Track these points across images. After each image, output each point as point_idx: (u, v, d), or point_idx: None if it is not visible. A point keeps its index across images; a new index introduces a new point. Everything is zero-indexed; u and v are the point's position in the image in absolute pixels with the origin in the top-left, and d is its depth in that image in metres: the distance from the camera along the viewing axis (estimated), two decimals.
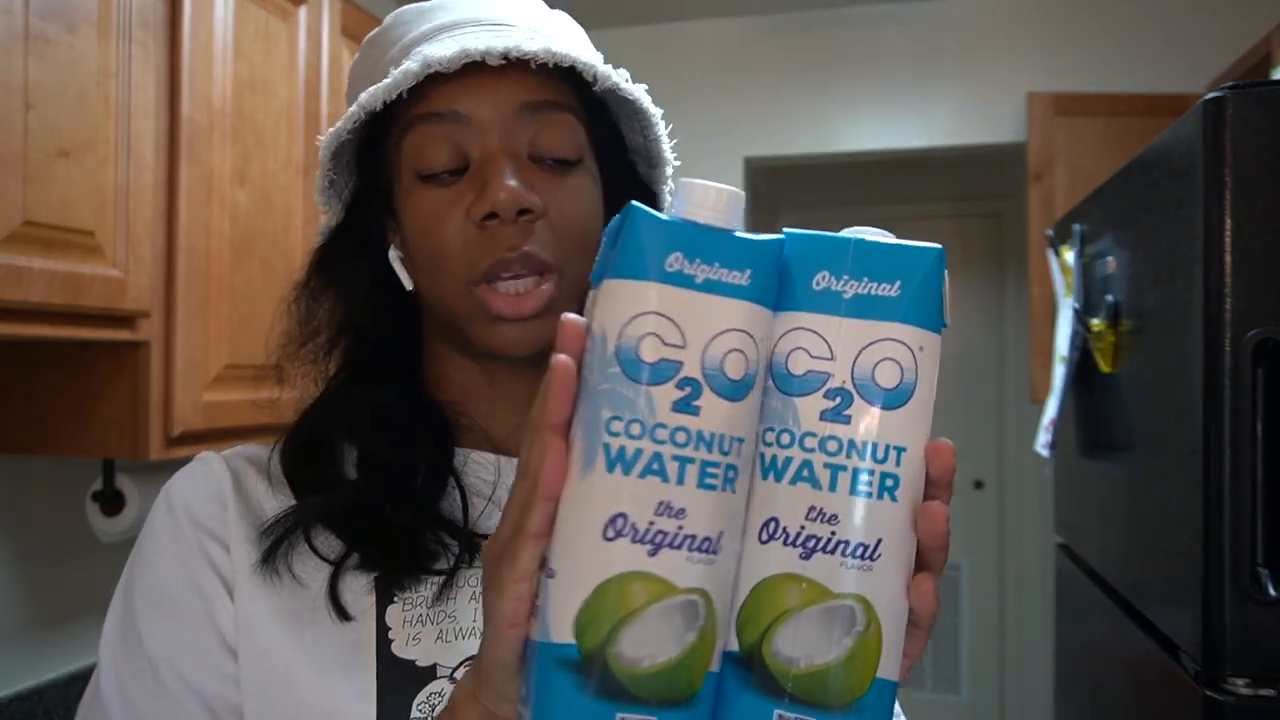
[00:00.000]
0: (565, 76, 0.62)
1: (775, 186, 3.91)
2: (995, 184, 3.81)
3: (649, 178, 0.71)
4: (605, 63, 0.62)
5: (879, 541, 0.39)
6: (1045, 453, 1.91)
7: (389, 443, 0.63)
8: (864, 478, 0.39)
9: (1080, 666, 1.86)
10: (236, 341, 1.52)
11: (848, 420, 0.39)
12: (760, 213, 3.63)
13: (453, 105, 0.59)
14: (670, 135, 0.69)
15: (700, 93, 2.96)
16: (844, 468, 0.39)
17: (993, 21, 2.82)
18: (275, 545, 0.59)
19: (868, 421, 0.39)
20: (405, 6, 0.67)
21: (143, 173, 1.33)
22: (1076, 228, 1.78)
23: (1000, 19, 2.81)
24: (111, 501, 1.55)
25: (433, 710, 0.56)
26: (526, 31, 0.63)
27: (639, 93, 0.63)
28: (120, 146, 1.29)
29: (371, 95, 0.58)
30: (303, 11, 1.70)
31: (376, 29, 0.68)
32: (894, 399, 0.39)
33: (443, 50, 0.58)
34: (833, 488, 0.39)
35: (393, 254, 0.66)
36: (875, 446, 0.39)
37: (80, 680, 1.64)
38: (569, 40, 0.65)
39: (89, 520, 1.57)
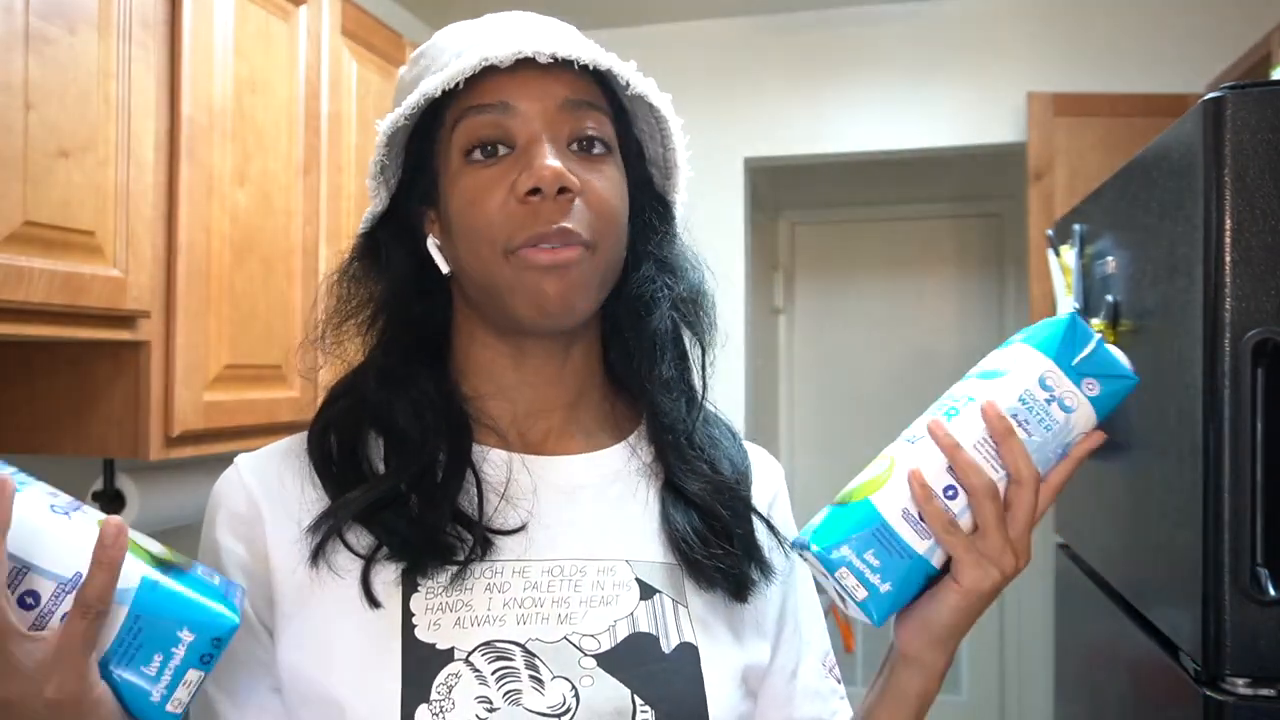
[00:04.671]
0: (600, 83, 0.69)
1: (775, 186, 3.91)
2: (995, 184, 3.81)
3: (663, 187, 0.77)
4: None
5: (921, 437, 0.67)
6: None
7: (418, 440, 0.69)
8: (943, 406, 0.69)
9: (1080, 666, 1.86)
10: (236, 341, 1.52)
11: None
12: (760, 213, 3.63)
13: (502, 97, 0.66)
14: None
15: (700, 93, 2.96)
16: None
17: (993, 21, 2.82)
18: (319, 547, 0.66)
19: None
20: (453, 24, 0.73)
21: (143, 173, 1.33)
22: (1076, 228, 1.78)
23: (1000, 19, 2.81)
24: (111, 501, 1.55)
25: (449, 691, 0.62)
26: (557, 35, 0.70)
27: (664, 101, 0.71)
28: (120, 146, 1.29)
29: (431, 84, 0.65)
30: (303, 11, 1.70)
31: (427, 42, 0.73)
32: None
33: (496, 49, 0.64)
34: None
35: (431, 242, 0.71)
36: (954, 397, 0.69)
37: None
38: (604, 53, 0.71)
39: None
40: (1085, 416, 0.67)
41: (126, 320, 1.32)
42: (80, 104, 1.22)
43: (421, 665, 0.62)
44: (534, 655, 0.64)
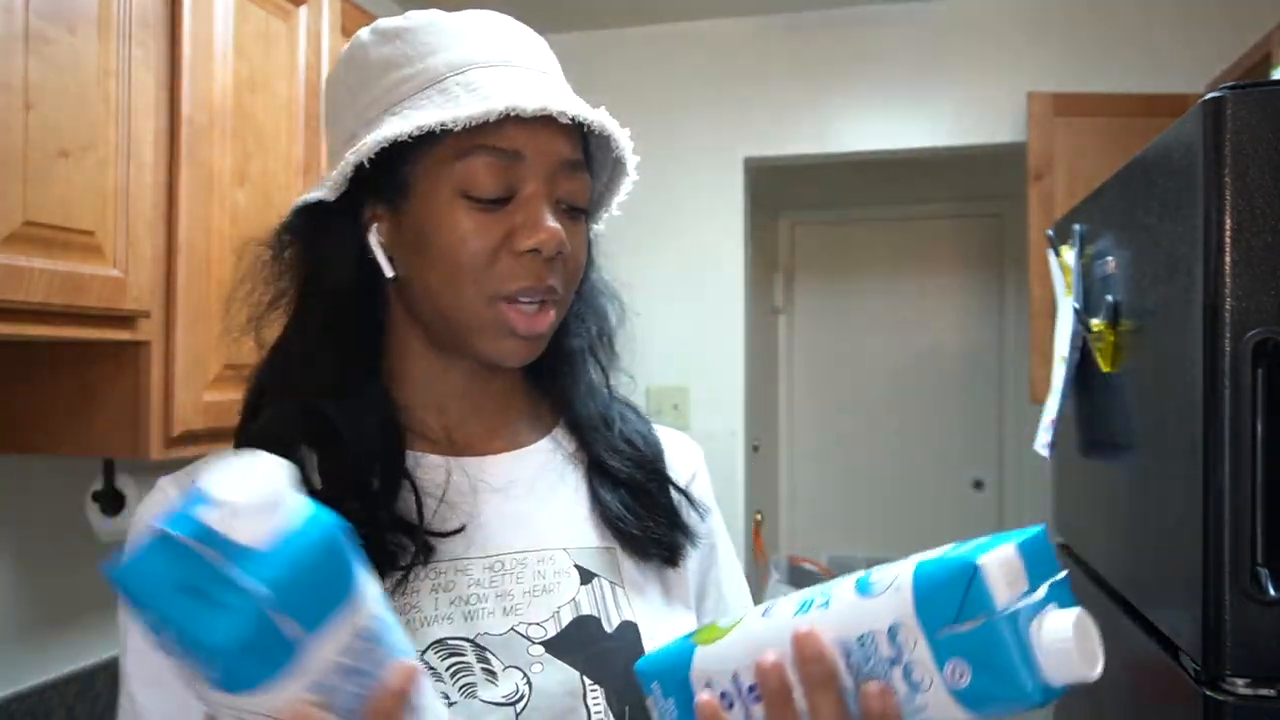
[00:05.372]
0: (580, 130, 0.69)
1: (775, 186, 3.91)
2: (995, 184, 3.81)
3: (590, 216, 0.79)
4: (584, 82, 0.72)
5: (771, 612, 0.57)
6: (1045, 452, 1.91)
7: (356, 455, 0.69)
8: None
9: None
10: (237, 341, 1.52)
11: None
12: (760, 213, 3.63)
13: (517, 146, 0.66)
14: (670, 135, 0.75)
15: (700, 93, 2.96)
16: None
17: (993, 21, 2.81)
18: None
19: None
20: (433, 11, 0.71)
21: (143, 173, 1.33)
22: (1076, 228, 1.77)
23: (1000, 19, 2.81)
24: (111, 501, 1.55)
25: None
26: (560, 83, 0.72)
27: (633, 161, 0.73)
28: (120, 146, 1.29)
29: (454, 118, 0.64)
30: (303, 11, 1.70)
31: (401, 21, 0.71)
32: None
33: (517, 94, 0.65)
34: None
35: (374, 239, 0.70)
36: None
37: (80, 680, 1.64)
38: (607, 115, 0.71)
39: (89, 520, 1.57)
40: (942, 707, 0.48)
41: (126, 320, 1.32)
42: (80, 104, 1.22)
43: None
44: (484, 649, 0.66)
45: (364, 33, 0.73)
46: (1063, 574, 0.52)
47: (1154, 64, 2.66)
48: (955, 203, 4.04)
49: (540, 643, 0.67)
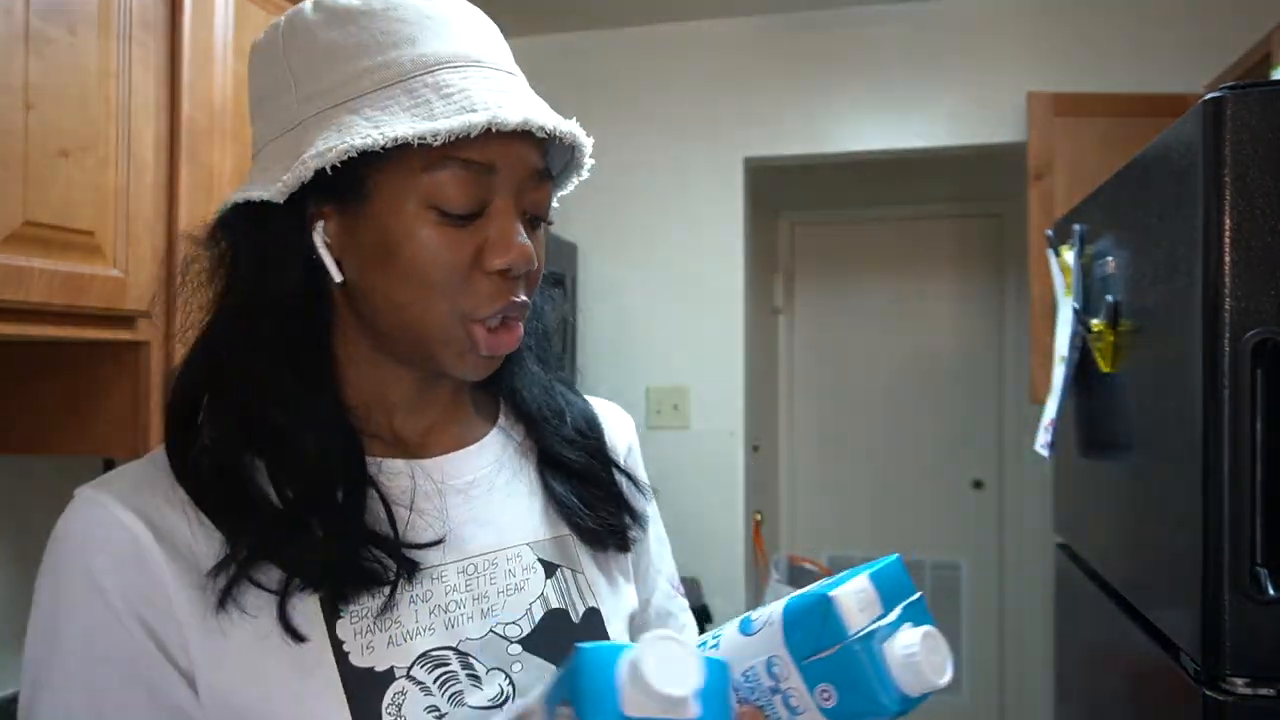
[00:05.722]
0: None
1: (775, 186, 3.91)
2: (995, 184, 3.81)
3: None
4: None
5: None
6: (1045, 453, 1.91)
7: (314, 463, 0.65)
8: None
9: (1080, 666, 1.86)
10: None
11: None
12: (760, 213, 3.63)
13: (491, 159, 0.64)
14: (670, 135, 0.74)
15: (700, 93, 2.96)
16: None
17: (993, 21, 2.82)
18: (225, 592, 0.61)
19: None
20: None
21: (143, 173, 1.33)
22: (1076, 228, 1.77)
23: (1000, 19, 2.81)
24: None
25: (399, 710, 0.62)
26: (524, 84, 0.69)
27: (589, 164, 0.73)
28: (120, 146, 1.29)
29: (434, 132, 0.60)
30: None
31: (358, 3, 0.65)
32: None
33: (495, 105, 0.62)
34: None
35: (320, 239, 0.66)
36: None
37: None
38: (577, 126, 0.68)
39: None
40: None
41: (126, 320, 1.32)
42: (80, 104, 1.22)
43: (366, 691, 0.62)
44: (467, 655, 0.66)
45: (307, 8, 0.66)
46: (916, 596, 0.57)
47: (1154, 64, 2.66)
48: (955, 203, 4.04)
49: (517, 641, 0.68)
